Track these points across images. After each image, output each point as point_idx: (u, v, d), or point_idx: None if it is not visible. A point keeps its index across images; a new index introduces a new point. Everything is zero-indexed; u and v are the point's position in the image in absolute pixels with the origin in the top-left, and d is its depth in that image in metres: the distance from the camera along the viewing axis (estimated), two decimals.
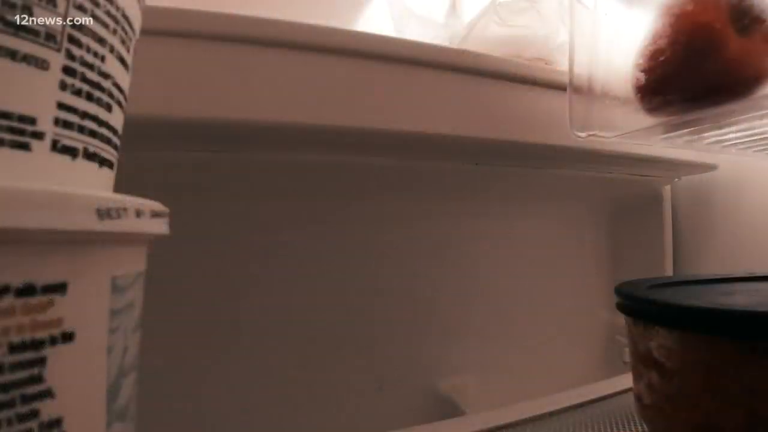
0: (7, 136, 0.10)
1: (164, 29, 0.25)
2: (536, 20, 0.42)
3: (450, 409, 0.43)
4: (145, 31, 0.16)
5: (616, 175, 0.49)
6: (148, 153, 0.30)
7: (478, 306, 0.48)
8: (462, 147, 0.35)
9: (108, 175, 0.14)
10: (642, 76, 0.29)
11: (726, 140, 0.33)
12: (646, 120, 0.30)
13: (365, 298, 0.43)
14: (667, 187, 0.57)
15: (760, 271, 0.31)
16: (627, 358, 0.43)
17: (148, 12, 0.16)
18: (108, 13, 0.13)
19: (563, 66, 0.36)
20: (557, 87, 0.36)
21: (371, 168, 0.38)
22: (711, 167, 0.49)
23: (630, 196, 0.57)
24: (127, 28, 0.14)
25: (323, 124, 0.29)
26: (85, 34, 0.12)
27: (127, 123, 0.15)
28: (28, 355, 0.09)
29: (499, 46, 0.41)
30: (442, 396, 0.44)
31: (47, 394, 0.10)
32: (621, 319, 0.25)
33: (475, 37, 0.42)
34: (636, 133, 0.31)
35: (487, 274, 0.49)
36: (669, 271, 0.55)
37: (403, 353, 0.44)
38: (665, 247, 0.55)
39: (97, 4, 0.12)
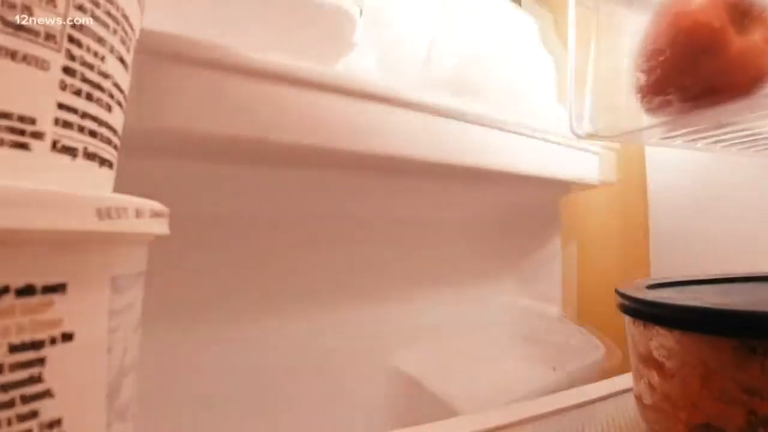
0: (7, 136, 0.10)
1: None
2: None
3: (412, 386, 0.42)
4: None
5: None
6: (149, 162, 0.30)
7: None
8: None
9: (108, 175, 0.14)
10: (642, 76, 0.29)
11: (726, 140, 0.33)
12: (646, 120, 0.30)
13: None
14: (564, 199, 0.58)
15: (760, 271, 0.31)
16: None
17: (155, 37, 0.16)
18: (108, 13, 0.13)
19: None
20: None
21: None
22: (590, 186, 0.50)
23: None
24: (127, 28, 0.14)
25: None
26: (85, 34, 0.12)
27: (129, 129, 0.15)
28: (28, 355, 0.09)
29: None
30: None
31: (47, 394, 0.10)
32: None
33: None
34: (636, 133, 0.31)
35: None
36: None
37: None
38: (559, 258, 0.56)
39: (97, 4, 0.12)
